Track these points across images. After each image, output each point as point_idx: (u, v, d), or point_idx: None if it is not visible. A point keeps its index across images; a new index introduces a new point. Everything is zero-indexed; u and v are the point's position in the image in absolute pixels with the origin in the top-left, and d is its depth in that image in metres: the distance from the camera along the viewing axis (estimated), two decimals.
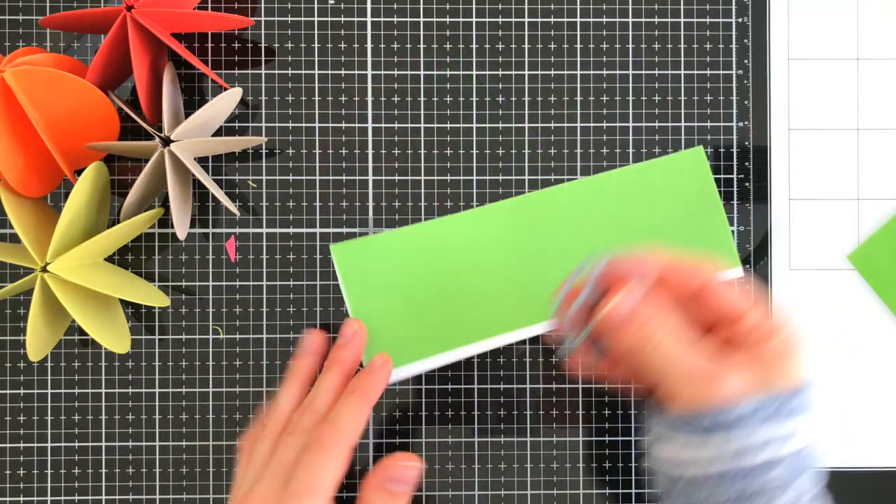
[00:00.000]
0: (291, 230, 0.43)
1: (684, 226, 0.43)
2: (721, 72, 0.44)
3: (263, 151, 0.43)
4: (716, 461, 0.31)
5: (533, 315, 0.42)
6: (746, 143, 0.44)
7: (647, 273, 0.34)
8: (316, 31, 0.43)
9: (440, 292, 0.42)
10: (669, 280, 0.35)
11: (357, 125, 0.43)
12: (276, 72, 0.43)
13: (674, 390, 0.32)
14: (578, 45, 0.44)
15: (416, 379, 0.43)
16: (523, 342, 0.43)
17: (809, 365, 0.33)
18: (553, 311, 0.35)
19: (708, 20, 0.44)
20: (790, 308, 0.33)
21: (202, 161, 0.43)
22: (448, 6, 0.43)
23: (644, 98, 0.44)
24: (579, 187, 0.43)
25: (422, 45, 0.43)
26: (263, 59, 0.43)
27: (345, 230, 0.43)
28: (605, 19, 0.44)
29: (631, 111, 0.44)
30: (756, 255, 0.44)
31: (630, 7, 0.44)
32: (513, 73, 0.44)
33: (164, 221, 0.43)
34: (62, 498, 0.43)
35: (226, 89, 0.42)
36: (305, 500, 0.34)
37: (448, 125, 0.43)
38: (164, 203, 0.43)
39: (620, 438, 0.43)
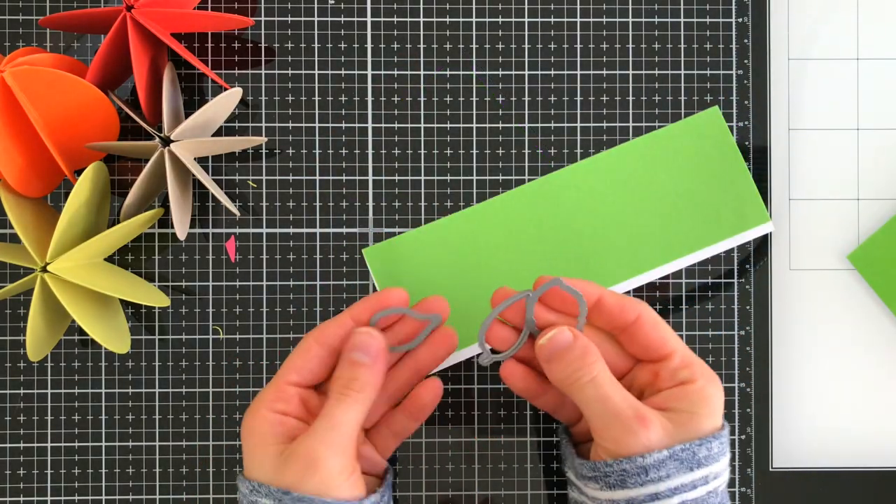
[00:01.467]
0: (291, 230, 0.43)
1: (710, 186, 0.43)
2: (721, 72, 0.44)
3: (263, 151, 0.43)
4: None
5: None
6: (746, 143, 0.44)
7: (587, 300, 0.35)
8: (316, 31, 0.43)
9: (473, 283, 0.43)
10: (604, 311, 0.35)
11: (357, 125, 0.43)
12: (276, 72, 0.43)
13: (599, 428, 0.33)
14: (578, 45, 0.44)
15: None
16: None
17: (721, 412, 0.34)
18: (479, 335, 0.36)
19: (708, 20, 0.44)
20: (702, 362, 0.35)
21: (202, 161, 0.43)
22: (448, 6, 0.43)
23: (644, 98, 0.44)
24: (600, 161, 0.43)
25: (422, 45, 0.43)
26: (263, 59, 0.43)
27: (345, 230, 0.43)
28: (605, 19, 0.44)
29: (631, 111, 0.44)
30: (756, 255, 0.44)
31: (630, 7, 0.44)
32: (513, 73, 0.44)
33: (164, 221, 0.43)
34: (62, 498, 0.43)
35: (226, 89, 0.42)
36: None
37: (448, 125, 0.43)
38: (164, 203, 0.43)
39: None
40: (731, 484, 0.43)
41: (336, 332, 0.36)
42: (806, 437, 0.44)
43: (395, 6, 0.43)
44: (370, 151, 0.43)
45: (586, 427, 0.36)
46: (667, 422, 0.33)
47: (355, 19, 0.43)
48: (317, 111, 0.43)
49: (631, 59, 0.44)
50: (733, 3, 0.44)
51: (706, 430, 0.33)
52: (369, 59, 0.43)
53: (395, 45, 0.43)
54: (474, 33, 0.44)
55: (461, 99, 0.43)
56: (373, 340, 0.35)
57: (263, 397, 0.35)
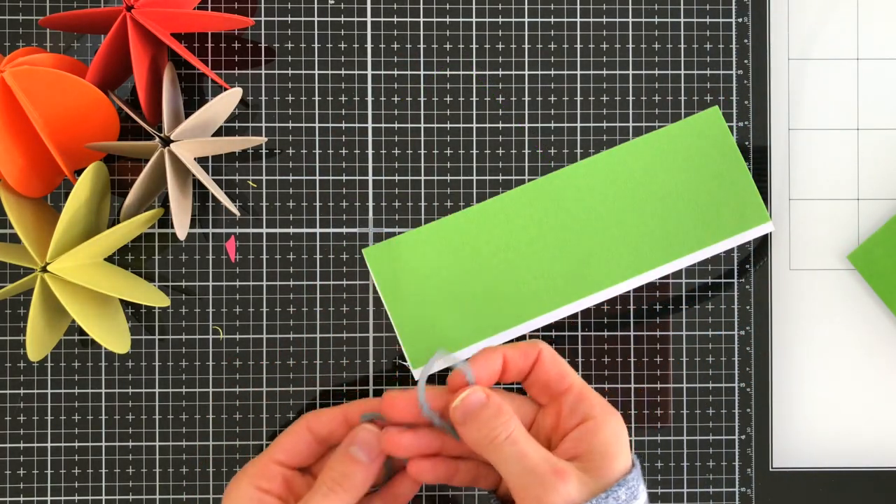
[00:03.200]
0: (291, 230, 0.43)
1: (710, 186, 0.43)
2: (721, 72, 0.44)
3: (263, 151, 0.43)
4: None
5: (568, 294, 0.42)
6: (746, 143, 0.44)
7: (492, 368, 0.35)
8: (316, 31, 0.43)
9: (473, 282, 0.42)
10: (510, 365, 0.35)
11: (357, 125, 0.43)
12: (276, 72, 0.43)
13: (518, 487, 0.32)
14: (578, 45, 0.44)
15: (416, 379, 0.43)
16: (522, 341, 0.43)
17: (627, 447, 0.34)
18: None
19: (708, 20, 0.44)
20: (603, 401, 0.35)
21: (202, 161, 0.43)
22: (448, 6, 0.43)
23: (644, 98, 0.44)
24: (600, 161, 0.43)
25: (422, 45, 0.43)
26: (263, 59, 0.43)
27: (345, 230, 0.43)
28: (605, 19, 0.44)
29: (631, 111, 0.44)
30: (756, 255, 0.44)
31: (630, 7, 0.44)
32: (513, 73, 0.44)
33: (164, 221, 0.43)
34: (62, 498, 0.43)
35: (226, 89, 0.42)
36: None
37: (448, 125, 0.43)
38: (164, 203, 0.43)
39: None
40: (731, 484, 0.43)
41: (328, 422, 0.37)
42: (806, 437, 0.44)
43: (395, 6, 0.43)
44: (370, 151, 0.43)
45: (507, 488, 0.35)
46: (580, 472, 0.33)
47: (355, 19, 0.43)
48: (317, 111, 0.43)
49: (631, 59, 0.44)
50: (733, 3, 0.44)
51: (619, 472, 0.33)
52: (369, 59, 0.43)
53: (395, 45, 0.43)
54: (474, 33, 0.44)
55: (461, 99, 0.43)
56: (375, 441, 0.35)
57: (247, 471, 0.35)
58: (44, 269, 0.38)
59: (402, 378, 0.43)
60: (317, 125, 0.43)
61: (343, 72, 0.43)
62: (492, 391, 0.35)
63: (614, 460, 0.33)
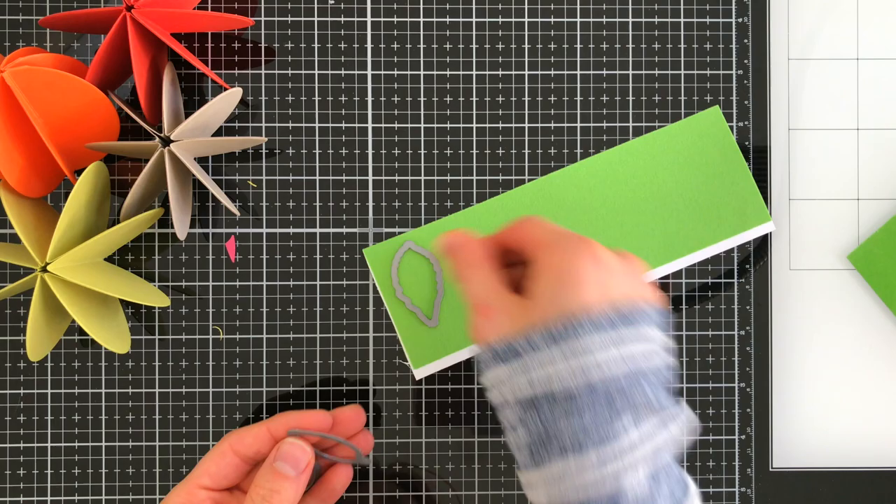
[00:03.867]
0: (291, 230, 0.43)
1: (710, 186, 0.43)
2: (721, 72, 0.44)
3: (263, 151, 0.43)
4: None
5: None
6: (746, 143, 0.44)
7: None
8: (316, 31, 0.43)
9: None
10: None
11: (357, 125, 0.43)
12: (276, 72, 0.43)
13: (536, 293, 0.30)
14: (578, 45, 0.44)
15: (416, 379, 0.43)
16: None
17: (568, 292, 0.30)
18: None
19: (708, 20, 0.44)
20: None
21: (202, 161, 0.43)
22: (448, 6, 0.43)
23: (644, 98, 0.44)
24: (601, 161, 0.43)
25: (422, 45, 0.43)
26: (263, 59, 0.43)
27: (345, 230, 0.43)
28: (605, 19, 0.44)
29: (631, 111, 0.44)
30: (756, 255, 0.44)
31: (630, 7, 0.44)
32: (513, 73, 0.44)
33: (164, 221, 0.43)
34: (62, 498, 0.43)
35: (226, 89, 0.42)
36: None
37: (448, 125, 0.43)
38: (164, 203, 0.43)
39: None
40: (731, 484, 0.43)
41: (253, 442, 0.37)
42: (806, 437, 0.44)
43: (395, 6, 0.43)
44: (370, 151, 0.43)
45: None
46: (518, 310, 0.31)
47: (355, 19, 0.43)
48: (317, 111, 0.43)
49: (631, 59, 0.44)
50: (733, 3, 0.44)
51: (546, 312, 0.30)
52: (369, 59, 0.43)
53: (395, 45, 0.43)
54: (474, 33, 0.44)
55: (461, 99, 0.43)
56: (302, 454, 0.35)
57: (171, 500, 0.35)
58: (44, 269, 0.38)
59: (402, 378, 0.43)
60: (317, 125, 0.43)
61: (343, 72, 0.43)
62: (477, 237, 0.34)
63: (540, 299, 0.30)
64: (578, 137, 0.44)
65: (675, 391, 0.43)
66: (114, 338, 0.41)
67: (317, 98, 0.43)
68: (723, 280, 0.44)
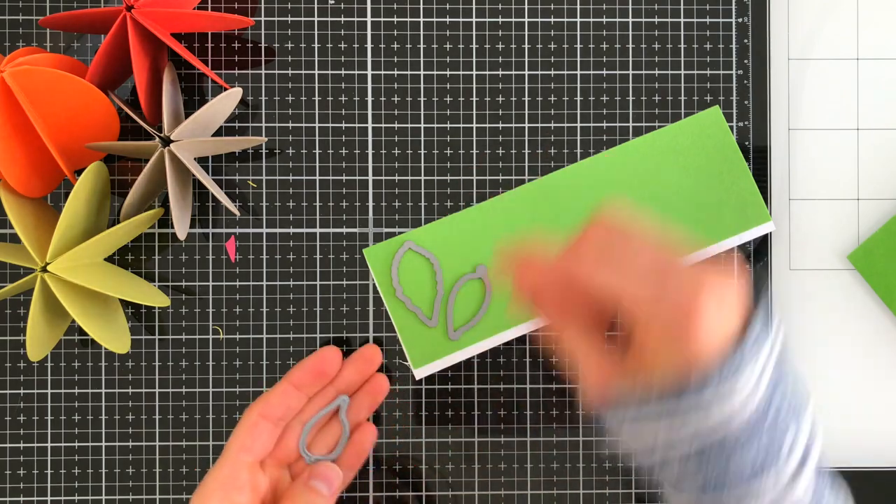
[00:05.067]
0: (291, 230, 0.43)
1: (711, 186, 0.43)
2: (721, 72, 0.44)
3: (263, 151, 0.43)
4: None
5: None
6: (746, 143, 0.44)
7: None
8: (316, 31, 0.43)
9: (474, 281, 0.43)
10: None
11: (357, 125, 0.43)
12: (276, 72, 0.43)
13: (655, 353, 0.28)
14: (578, 45, 0.44)
15: (416, 379, 0.43)
16: (523, 341, 0.43)
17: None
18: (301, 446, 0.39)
19: (708, 20, 0.44)
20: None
21: (202, 161, 0.43)
22: (448, 6, 0.43)
23: (644, 98, 0.44)
24: (601, 161, 0.43)
25: (422, 45, 0.43)
26: (263, 59, 0.43)
27: (345, 230, 0.43)
28: (605, 19, 0.44)
29: (631, 111, 0.44)
30: (756, 255, 0.44)
31: (630, 7, 0.44)
32: (513, 73, 0.44)
33: (164, 221, 0.43)
34: (62, 498, 0.43)
35: (226, 89, 0.42)
36: None
37: (448, 125, 0.43)
38: (164, 203, 0.43)
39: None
40: None
41: (280, 401, 0.38)
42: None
43: (395, 6, 0.43)
44: (370, 151, 0.43)
45: None
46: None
47: (355, 19, 0.43)
48: (317, 111, 0.43)
49: (631, 59, 0.44)
50: (733, 3, 0.44)
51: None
52: (369, 59, 0.43)
53: (395, 45, 0.43)
54: (474, 33, 0.44)
55: (461, 99, 0.43)
56: (335, 476, 0.37)
57: (217, 483, 0.36)
58: (44, 269, 0.38)
59: (402, 378, 0.43)
60: (317, 125, 0.43)
61: (343, 72, 0.43)
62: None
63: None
64: (578, 137, 0.44)
65: None
66: (114, 338, 0.41)
67: (317, 98, 0.43)
68: None
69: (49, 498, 0.43)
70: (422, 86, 0.43)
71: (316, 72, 0.43)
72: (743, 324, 0.28)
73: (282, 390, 0.38)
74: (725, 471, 0.28)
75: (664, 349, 0.28)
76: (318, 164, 0.43)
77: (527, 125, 0.44)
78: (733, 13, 0.44)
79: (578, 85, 0.44)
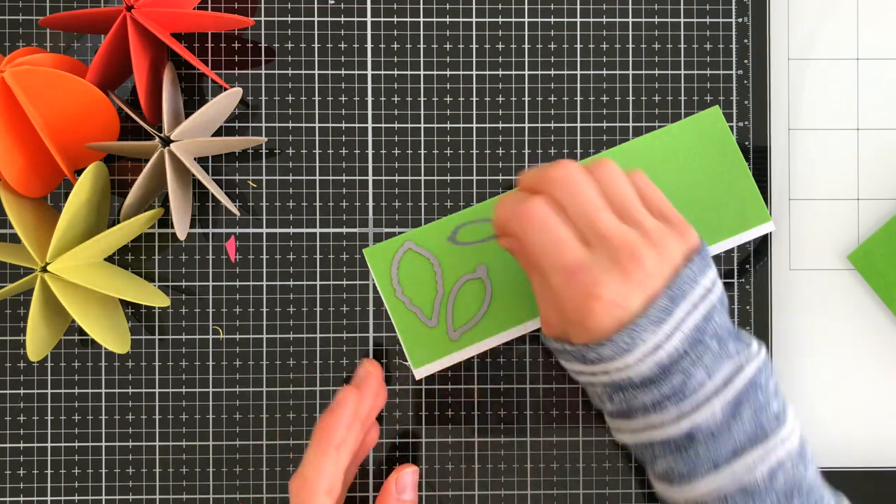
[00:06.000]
0: (291, 230, 0.43)
1: (711, 186, 0.43)
2: (721, 72, 0.44)
3: (263, 151, 0.43)
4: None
5: None
6: (746, 143, 0.44)
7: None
8: (316, 31, 0.43)
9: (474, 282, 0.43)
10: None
11: (357, 125, 0.43)
12: (276, 72, 0.43)
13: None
14: (578, 45, 0.44)
15: (416, 379, 0.43)
16: (523, 341, 0.43)
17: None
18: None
19: (708, 20, 0.44)
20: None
21: (202, 161, 0.43)
22: (448, 6, 0.43)
23: (644, 98, 0.44)
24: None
25: (422, 45, 0.43)
26: (263, 59, 0.43)
27: (345, 230, 0.43)
28: (605, 19, 0.44)
29: (631, 111, 0.44)
30: (756, 255, 0.44)
31: (630, 7, 0.44)
32: (513, 73, 0.44)
33: (164, 221, 0.43)
34: (62, 498, 0.43)
35: (226, 89, 0.42)
36: None
37: (448, 125, 0.43)
38: (164, 203, 0.43)
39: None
40: None
41: (336, 470, 0.37)
42: (805, 437, 0.44)
43: (395, 6, 0.43)
44: (370, 151, 0.43)
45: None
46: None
47: (355, 19, 0.43)
48: (317, 111, 0.43)
49: (631, 59, 0.44)
50: (733, 3, 0.44)
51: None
52: (369, 59, 0.43)
53: (395, 45, 0.43)
54: (474, 33, 0.44)
55: (461, 99, 0.43)
56: (415, 476, 0.41)
57: (323, 482, 0.36)
58: (44, 269, 0.38)
59: (402, 378, 0.43)
60: (317, 125, 0.43)
61: (343, 72, 0.43)
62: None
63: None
64: (578, 137, 0.44)
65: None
66: (114, 338, 0.41)
67: (317, 98, 0.43)
68: (723, 280, 0.44)
69: (49, 498, 0.43)
70: (422, 86, 0.43)
71: (316, 72, 0.43)
72: (644, 303, 0.33)
73: (334, 459, 0.37)
74: (636, 403, 0.35)
75: (572, 318, 0.34)
76: (318, 164, 0.43)
77: (527, 125, 0.44)
78: (733, 13, 0.44)
79: (578, 85, 0.44)
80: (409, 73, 0.43)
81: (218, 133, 0.43)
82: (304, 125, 0.43)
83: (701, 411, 0.34)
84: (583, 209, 0.34)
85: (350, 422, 0.38)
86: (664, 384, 0.34)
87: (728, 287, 0.44)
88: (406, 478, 0.40)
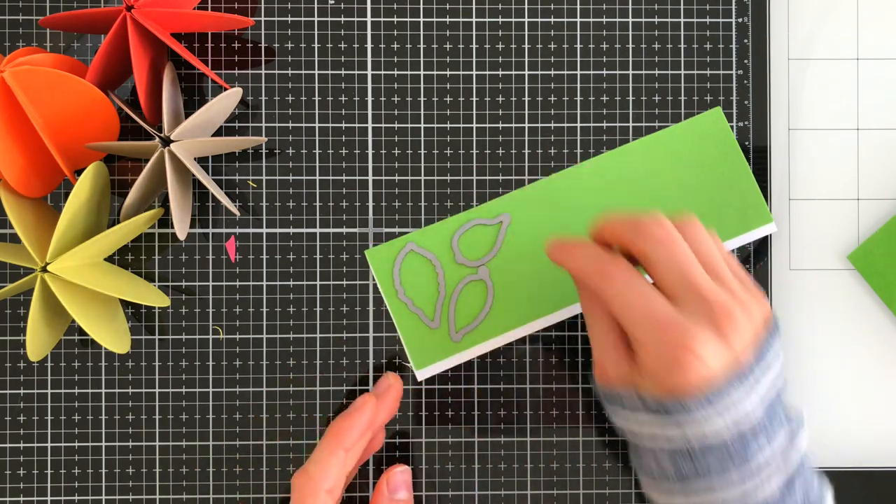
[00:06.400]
0: (291, 230, 0.43)
1: (712, 187, 0.43)
2: (721, 72, 0.44)
3: (263, 151, 0.43)
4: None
5: (571, 295, 0.42)
6: (746, 143, 0.44)
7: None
8: (316, 31, 0.43)
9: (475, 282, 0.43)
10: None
11: (357, 125, 0.43)
12: (276, 72, 0.43)
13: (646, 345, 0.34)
14: (578, 45, 0.44)
15: (416, 380, 0.43)
16: (523, 341, 0.43)
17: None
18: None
19: (708, 20, 0.44)
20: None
21: (202, 161, 0.43)
22: (448, 6, 0.43)
23: (644, 98, 0.44)
24: (602, 162, 0.43)
25: (422, 45, 0.43)
26: (263, 59, 0.43)
27: (345, 230, 0.43)
28: (605, 19, 0.44)
29: (631, 111, 0.44)
30: (756, 255, 0.44)
31: (630, 7, 0.44)
32: (513, 73, 0.44)
33: (164, 221, 0.43)
34: (62, 498, 0.43)
35: (226, 89, 0.42)
36: None
37: (448, 125, 0.43)
38: (164, 203, 0.43)
39: (620, 438, 0.43)
40: None
41: (340, 472, 0.38)
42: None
43: (395, 6, 0.43)
44: (370, 151, 0.43)
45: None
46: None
47: (355, 19, 0.43)
48: (317, 111, 0.43)
49: (631, 59, 0.44)
50: (733, 3, 0.44)
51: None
52: (369, 59, 0.43)
53: (395, 45, 0.43)
54: (474, 33, 0.44)
55: (461, 99, 0.43)
56: (409, 477, 0.41)
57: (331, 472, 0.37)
58: (44, 269, 0.38)
59: (403, 379, 0.43)
60: (317, 125, 0.43)
61: (343, 72, 0.43)
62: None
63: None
64: (578, 137, 0.44)
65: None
66: (114, 338, 0.41)
67: (317, 98, 0.43)
68: None
69: (49, 498, 0.43)
70: (422, 86, 0.43)
71: (316, 72, 0.43)
72: (733, 365, 0.33)
73: (341, 462, 0.38)
74: (701, 465, 0.34)
75: (653, 369, 0.33)
76: (318, 164, 0.43)
77: (527, 125, 0.44)
78: (733, 13, 0.44)
79: (578, 85, 0.44)
80: (409, 73, 0.43)
81: (218, 133, 0.43)
82: (304, 125, 0.43)
83: (763, 482, 0.33)
84: (679, 266, 0.34)
85: (364, 429, 0.38)
86: (734, 447, 0.33)
87: None
88: (397, 477, 0.41)
